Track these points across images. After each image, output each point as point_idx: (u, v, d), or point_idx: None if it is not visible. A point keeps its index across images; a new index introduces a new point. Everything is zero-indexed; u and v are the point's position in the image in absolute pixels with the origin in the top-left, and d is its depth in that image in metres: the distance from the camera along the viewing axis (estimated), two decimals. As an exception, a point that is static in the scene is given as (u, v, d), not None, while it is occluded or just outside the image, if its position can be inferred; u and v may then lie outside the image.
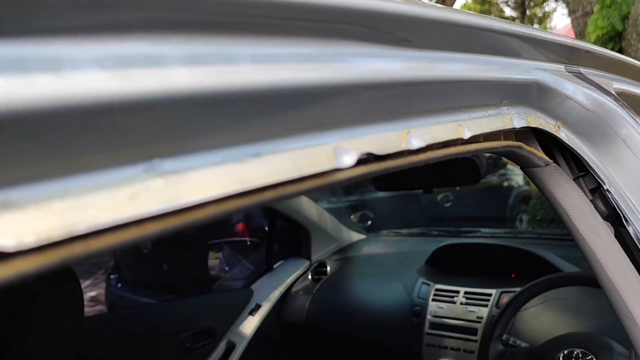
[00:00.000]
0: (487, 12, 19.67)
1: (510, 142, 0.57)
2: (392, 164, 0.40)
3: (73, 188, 0.22)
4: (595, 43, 5.62)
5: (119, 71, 0.24)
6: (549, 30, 0.75)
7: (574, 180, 0.63)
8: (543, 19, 20.63)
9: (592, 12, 5.82)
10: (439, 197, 3.55)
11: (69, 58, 0.22)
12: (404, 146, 0.40)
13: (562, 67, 0.66)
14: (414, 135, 0.42)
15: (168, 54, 0.26)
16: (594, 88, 0.65)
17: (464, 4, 20.47)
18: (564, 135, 0.61)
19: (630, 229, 0.59)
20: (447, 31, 0.47)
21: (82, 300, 1.11)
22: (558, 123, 0.61)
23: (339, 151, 0.35)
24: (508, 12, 20.40)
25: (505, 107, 0.55)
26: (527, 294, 1.61)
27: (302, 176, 0.32)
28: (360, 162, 0.37)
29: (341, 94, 0.35)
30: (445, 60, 0.47)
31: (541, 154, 0.62)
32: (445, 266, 2.22)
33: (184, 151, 0.27)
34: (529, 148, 0.60)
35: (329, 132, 0.35)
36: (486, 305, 1.87)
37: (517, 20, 19.71)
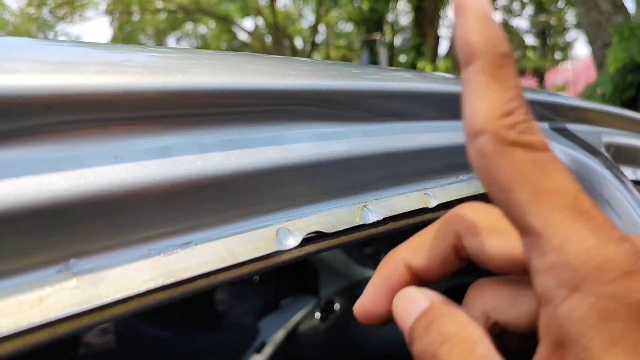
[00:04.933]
0: (508, 41, 19.66)
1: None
2: (346, 239, 0.40)
3: (-26, 296, 0.22)
4: (614, 75, 5.58)
5: (39, 176, 0.24)
6: (536, 90, 0.75)
7: (556, 241, 0.61)
8: (565, 48, 20.59)
9: (611, 43, 5.80)
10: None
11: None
12: (358, 221, 0.40)
13: (545, 125, 0.66)
14: (370, 208, 0.41)
15: (88, 154, 0.26)
16: (577, 147, 0.64)
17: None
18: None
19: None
20: (410, 101, 0.47)
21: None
22: (538, 184, 0.60)
23: (282, 232, 0.35)
24: (529, 41, 20.43)
25: (479, 170, 0.54)
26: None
27: (236, 262, 0.32)
28: (309, 240, 0.37)
29: (282, 176, 0.35)
30: (407, 130, 0.46)
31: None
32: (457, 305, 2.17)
33: (103, 248, 0.27)
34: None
35: (271, 214, 0.35)
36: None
37: (537, 49, 19.69)
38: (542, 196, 0.20)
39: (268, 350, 2.24)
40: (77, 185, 0.25)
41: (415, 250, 0.26)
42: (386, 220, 0.42)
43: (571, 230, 0.19)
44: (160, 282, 0.28)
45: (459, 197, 0.51)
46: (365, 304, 0.26)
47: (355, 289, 2.57)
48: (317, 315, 2.41)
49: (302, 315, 2.42)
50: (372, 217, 0.41)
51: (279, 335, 2.32)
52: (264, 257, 0.33)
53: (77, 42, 0.38)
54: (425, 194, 0.47)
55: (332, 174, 0.39)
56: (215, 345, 2.18)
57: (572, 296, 0.18)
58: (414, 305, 0.24)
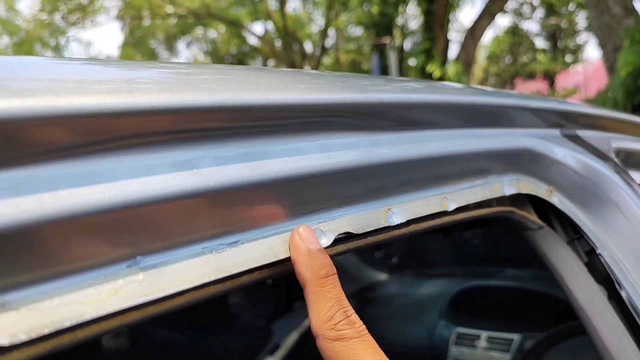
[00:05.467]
0: (518, 44, 19.64)
1: (501, 208, 0.59)
2: (373, 239, 0.43)
3: (61, 288, 0.26)
4: (624, 79, 5.56)
5: (99, 185, 0.28)
6: (548, 98, 0.77)
7: (567, 243, 0.64)
8: (575, 51, 20.47)
9: (622, 47, 5.78)
10: (465, 235, 3.51)
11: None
12: (383, 223, 0.43)
13: (557, 131, 0.68)
14: (395, 212, 0.45)
15: (154, 164, 0.30)
16: (587, 152, 0.67)
17: (494, 37, 20.50)
18: (557, 199, 0.63)
19: (623, 294, 0.60)
20: (432, 111, 0.50)
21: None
22: (550, 188, 0.63)
23: (317, 233, 0.38)
24: (539, 43, 20.34)
25: (494, 176, 0.57)
26: (551, 340, 1.58)
27: (277, 260, 0.35)
28: (339, 240, 0.40)
29: (319, 181, 0.38)
30: (428, 139, 0.50)
31: (534, 217, 0.64)
32: (468, 309, 2.18)
33: (164, 247, 0.30)
34: (521, 212, 0.62)
35: (307, 216, 0.38)
36: (508, 351, 1.83)
37: (548, 52, 19.60)
38: None
39: (281, 352, 2.27)
40: (144, 191, 0.28)
41: None
42: (409, 222, 0.45)
43: None
44: (212, 277, 0.31)
45: (474, 201, 0.54)
46: None
47: (367, 291, 2.60)
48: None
49: (315, 317, 2.44)
50: (396, 220, 0.44)
51: (292, 338, 2.35)
52: (301, 256, 0.37)
53: (92, 59, 0.41)
54: (444, 197, 0.50)
55: (360, 179, 0.42)
56: (229, 347, 2.21)
57: None
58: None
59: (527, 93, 0.65)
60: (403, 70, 12.72)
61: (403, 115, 0.48)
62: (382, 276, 2.73)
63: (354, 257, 2.60)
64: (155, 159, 0.30)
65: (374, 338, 0.36)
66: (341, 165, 0.40)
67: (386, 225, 0.44)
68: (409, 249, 3.69)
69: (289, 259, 0.36)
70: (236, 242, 0.34)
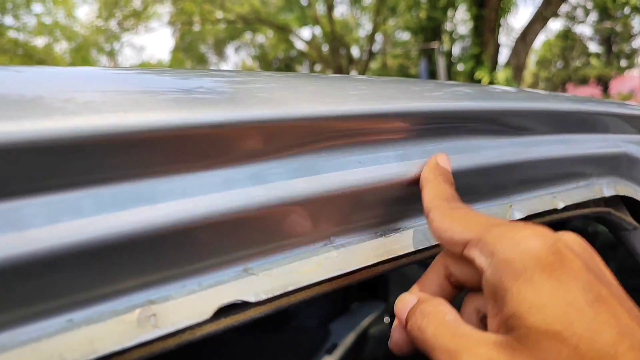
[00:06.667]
0: (570, 48, 19.15)
1: (599, 209, 0.63)
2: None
3: (283, 260, 0.32)
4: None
5: (314, 177, 0.34)
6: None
7: (661, 244, 0.67)
8: (630, 56, 19.78)
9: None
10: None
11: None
12: (507, 218, 0.48)
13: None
14: (516, 208, 0.49)
15: (349, 160, 0.36)
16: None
17: (545, 41, 20.03)
18: (652, 202, 0.66)
19: None
20: (543, 118, 0.55)
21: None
22: (646, 191, 0.66)
23: (456, 224, 0.43)
24: (592, 48, 19.76)
25: (595, 178, 0.61)
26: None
27: (430, 245, 0.41)
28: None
29: (463, 178, 0.43)
30: (539, 143, 0.54)
31: (629, 218, 0.67)
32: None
33: (350, 230, 0.36)
34: (617, 213, 0.66)
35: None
36: None
37: (601, 57, 19.01)
38: None
39: (339, 352, 2.32)
40: (339, 182, 0.34)
41: (422, 287, 0.35)
42: (528, 217, 0.50)
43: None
44: (385, 257, 0.37)
45: (579, 201, 0.58)
46: (394, 339, 0.33)
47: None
48: (387, 319, 2.47)
49: (372, 319, 2.48)
50: (517, 215, 0.49)
51: (350, 338, 2.40)
52: (445, 243, 0.42)
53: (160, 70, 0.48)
54: (554, 197, 0.55)
55: (487, 178, 0.47)
56: (287, 345, 2.28)
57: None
58: (406, 303, 0.33)
59: (619, 101, 0.69)
60: (451, 76, 12.63)
61: (518, 122, 0.53)
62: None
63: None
64: (354, 155, 0.36)
65: None
66: (474, 164, 0.45)
67: (510, 219, 0.48)
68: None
69: (436, 246, 0.41)
70: (399, 228, 0.39)
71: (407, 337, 0.32)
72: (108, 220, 0.25)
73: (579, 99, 0.62)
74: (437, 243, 0.41)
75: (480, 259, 0.29)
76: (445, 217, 0.33)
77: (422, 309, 0.30)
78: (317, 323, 2.52)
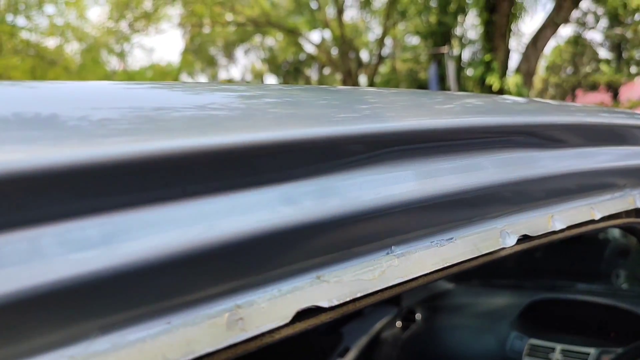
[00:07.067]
0: (580, 54, 19.09)
1: (631, 220, 0.64)
2: (538, 242, 0.50)
3: (351, 267, 0.34)
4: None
5: (373, 190, 0.35)
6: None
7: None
8: (641, 62, 19.64)
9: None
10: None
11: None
12: (549, 228, 0.50)
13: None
14: (557, 218, 0.51)
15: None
16: None
17: (555, 47, 19.97)
18: (682, 213, 0.67)
19: None
20: (579, 131, 0.56)
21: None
22: (676, 202, 0.67)
23: (503, 234, 0.45)
24: (602, 54, 19.67)
25: (629, 189, 0.63)
26: (631, 355, 1.57)
27: (480, 254, 0.42)
28: (518, 241, 0.47)
29: (500, 190, 0.45)
30: (575, 156, 0.56)
31: (659, 229, 0.68)
32: (540, 321, 2.18)
33: (408, 240, 0.38)
34: (648, 224, 0.67)
35: (496, 220, 0.45)
36: (585, 364, 1.83)
37: (612, 63, 18.92)
38: None
39: (351, 355, 2.33)
40: (394, 195, 0.36)
41: None
42: (568, 228, 0.52)
43: None
44: (440, 265, 0.39)
45: (614, 212, 0.59)
46: None
47: (436, 299, 2.63)
48: (399, 323, 2.48)
49: (384, 323, 2.49)
50: (558, 225, 0.51)
51: (362, 342, 2.41)
52: (493, 252, 0.44)
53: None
54: (591, 207, 0.56)
55: (528, 189, 0.49)
56: (300, 348, 2.29)
57: None
58: None
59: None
60: (461, 81, 12.62)
61: (559, 135, 0.55)
62: (450, 285, 2.76)
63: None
64: (408, 170, 0.38)
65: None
66: (519, 176, 0.47)
67: (551, 230, 0.50)
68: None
69: (485, 255, 0.43)
70: (451, 238, 0.41)
71: None
72: (202, 232, 0.27)
73: (613, 112, 0.64)
74: (484, 252, 0.42)
75: None
76: None
77: None
78: (330, 327, 2.53)
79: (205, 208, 0.28)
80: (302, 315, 0.31)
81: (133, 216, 0.25)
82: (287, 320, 0.30)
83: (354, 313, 2.50)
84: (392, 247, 0.37)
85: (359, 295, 0.33)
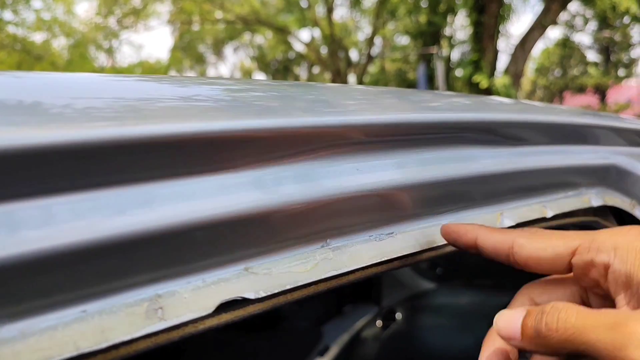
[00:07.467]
0: (569, 57, 19.24)
1: (587, 218, 0.65)
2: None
3: (282, 260, 0.34)
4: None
5: (311, 183, 0.35)
6: (630, 119, 0.83)
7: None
8: (629, 65, 19.85)
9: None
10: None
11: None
12: (497, 225, 0.50)
13: (639, 150, 0.74)
14: (506, 216, 0.51)
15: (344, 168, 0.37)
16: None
17: (544, 49, 20.12)
18: (639, 212, 0.68)
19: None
20: (536, 130, 0.57)
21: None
22: (633, 202, 0.68)
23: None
24: (591, 56, 19.85)
25: (584, 188, 0.63)
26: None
27: (421, 249, 0.42)
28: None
29: (455, 186, 0.45)
30: (531, 153, 0.56)
31: (616, 228, 0.69)
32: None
33: (344, 233, 0.38)
34: (604, 222, 0.68)
35: (442, 215, 0.45)
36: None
37: (600, 66, 19.10)
38: None
39: (331, 354, 2.33)
40: (335, 187, 0.36)
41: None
42: (517, 225, 0.52)
43: None
44: (378, 259, 0.39)
45: (568, 210, 0.60)
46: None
47: (416, 299, 2.63)
48: (379, 323, 2.49)
49: (364, 322, 2.50)
50: (507, 223, 0.51)
51: (342, 340, 2.41)
52: (437, 248, 0.44)
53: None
54: (543, 205, 0.57)
55: (479, 185, 0.49)
56: (279, 347, 2.29)
57: None
58: (512, 316, 0.32)
59: (611, 114, 0.71)
60: (449, 81, 12.68)
61: (512, 133, 0.55)
62: (431, 285, 2.77)
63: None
64: (348, 164, 0.38)
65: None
66: (468, 172, 0.47)
67: (500, 227, 0.50)
68: (456, 260, 3.69)
69: (426, 250, 0.43)
70: (392, 233, 0.41)
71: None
72: (121, 220, 0.27)
73: (572, 111, 0.64)
74: (426, 248, 0.43)
75: (601, 257, 0.32)
76: (534, 239, 0.36)
77: (553, 305, 0.30)
78: (310, 325, 2.53)
79: (128, 196, 0.28)
80: (228, 306, 0.31)
81: (47, 202, 0.25)
82: (210, 310, 0.30)
83: (334, 312, 2.51)
84: (328, 240, 0.37)
85: (288, 287, 0.33)
